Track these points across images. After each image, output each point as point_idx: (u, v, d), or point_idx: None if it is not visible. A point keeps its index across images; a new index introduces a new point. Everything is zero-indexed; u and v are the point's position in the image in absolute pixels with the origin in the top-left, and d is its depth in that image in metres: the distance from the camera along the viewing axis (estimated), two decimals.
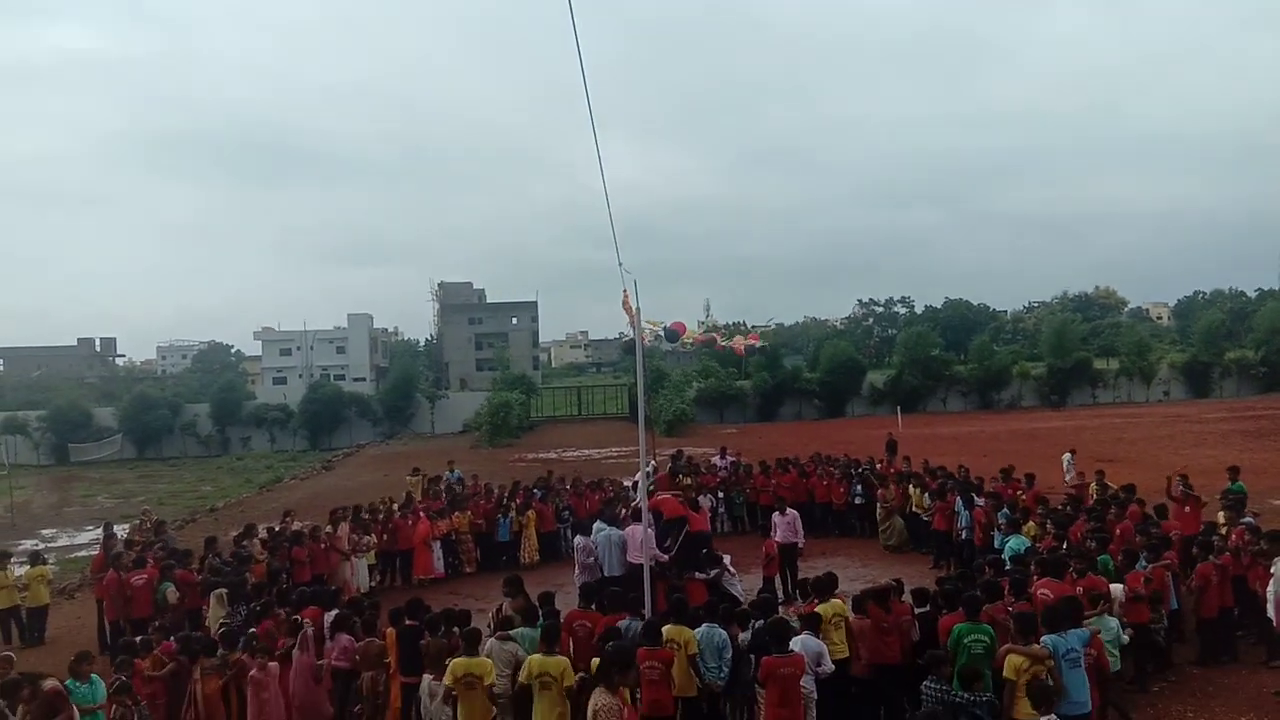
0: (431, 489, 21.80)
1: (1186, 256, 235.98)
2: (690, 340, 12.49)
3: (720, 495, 20.94)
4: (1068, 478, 21.47)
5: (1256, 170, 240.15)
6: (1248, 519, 12.72)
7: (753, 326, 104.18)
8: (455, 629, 10.07)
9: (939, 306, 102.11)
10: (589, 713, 6.52)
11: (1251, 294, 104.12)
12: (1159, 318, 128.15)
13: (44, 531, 29.12)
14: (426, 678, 9.79)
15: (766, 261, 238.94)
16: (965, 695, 7.85)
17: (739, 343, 12.74)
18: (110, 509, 32.32)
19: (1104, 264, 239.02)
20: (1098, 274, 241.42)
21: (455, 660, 8.84)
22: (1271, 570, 10.59)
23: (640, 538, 12.50)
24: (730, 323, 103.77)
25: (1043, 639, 7.96)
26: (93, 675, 9.52)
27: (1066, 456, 22.45)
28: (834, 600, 9.98)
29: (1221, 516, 13.68)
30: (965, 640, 8.84)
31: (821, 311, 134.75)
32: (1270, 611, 10.84)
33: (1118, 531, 12.97)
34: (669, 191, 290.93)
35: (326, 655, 10.61)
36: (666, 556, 12.74)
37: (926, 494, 17.99)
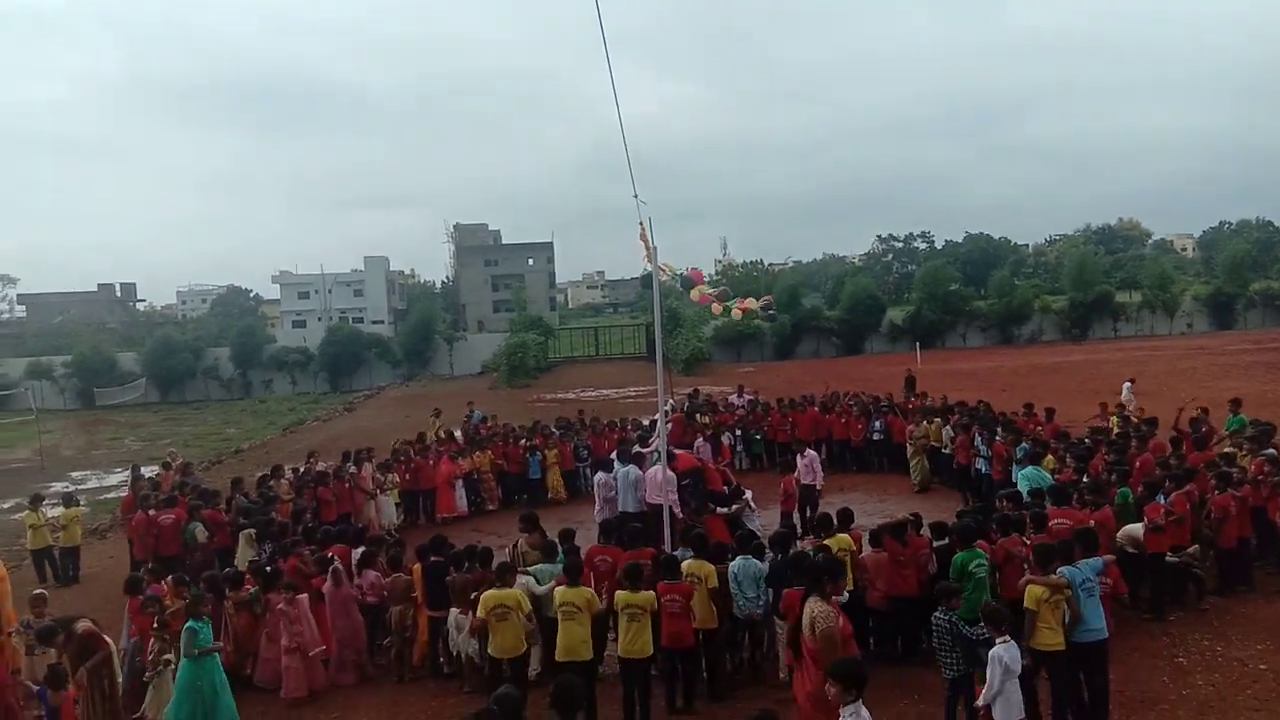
0: (449, 435, 21.95)
1: (1213, 187, 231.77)
2: (696, 297, 12.35)
3: (738, 433, 21.04)
4: (1126, 411, 21.27)
5: None
6: (1270, 450, 12.66)
7: (770, 264, 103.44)
8: (478, 565, 10.27)
9: (959, 241, 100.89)
10: (806, 620, 6.59)
11: (1279, 224, 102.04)
12: (1183, 249, 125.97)
13: (74, 474, 29.70)
14: (453, 611, 10.03)
15: (784, 198, 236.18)
16: (975, 630, 7.85)
17: (746, 304, 12.49)
18: (137, 451, 32.86)
19: (1129, 196, 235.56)
20: (1122, 206, 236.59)
21: (487, 593, 9.03)
22: None
23: (660, 479, 12.62)
24: (747, 261, 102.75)
25: (1059, 570, 8.02)
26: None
27: (1126, 385, 22.28)
28: (840, 535, 10.07)
29: (1243, 448, 13.60)
30: (969, 567, 9.04)
31: (840, 248, 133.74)
32: None
33: (1138, 465, 12.94)
34: (687, 129, 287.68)
35: (355, 590, 10.88)
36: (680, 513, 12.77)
37: (947, 428, 17.95)
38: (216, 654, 9.35)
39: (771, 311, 13.13)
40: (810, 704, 6.60)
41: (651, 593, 8.83)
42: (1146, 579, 10.79)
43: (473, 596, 9.58)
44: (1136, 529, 10.81)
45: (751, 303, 12.69)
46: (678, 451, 14.34)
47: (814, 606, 6.61)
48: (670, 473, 12.67)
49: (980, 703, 7.38)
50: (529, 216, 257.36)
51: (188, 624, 9.19)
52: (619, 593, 8.88)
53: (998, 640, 7.36)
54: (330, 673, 10.60)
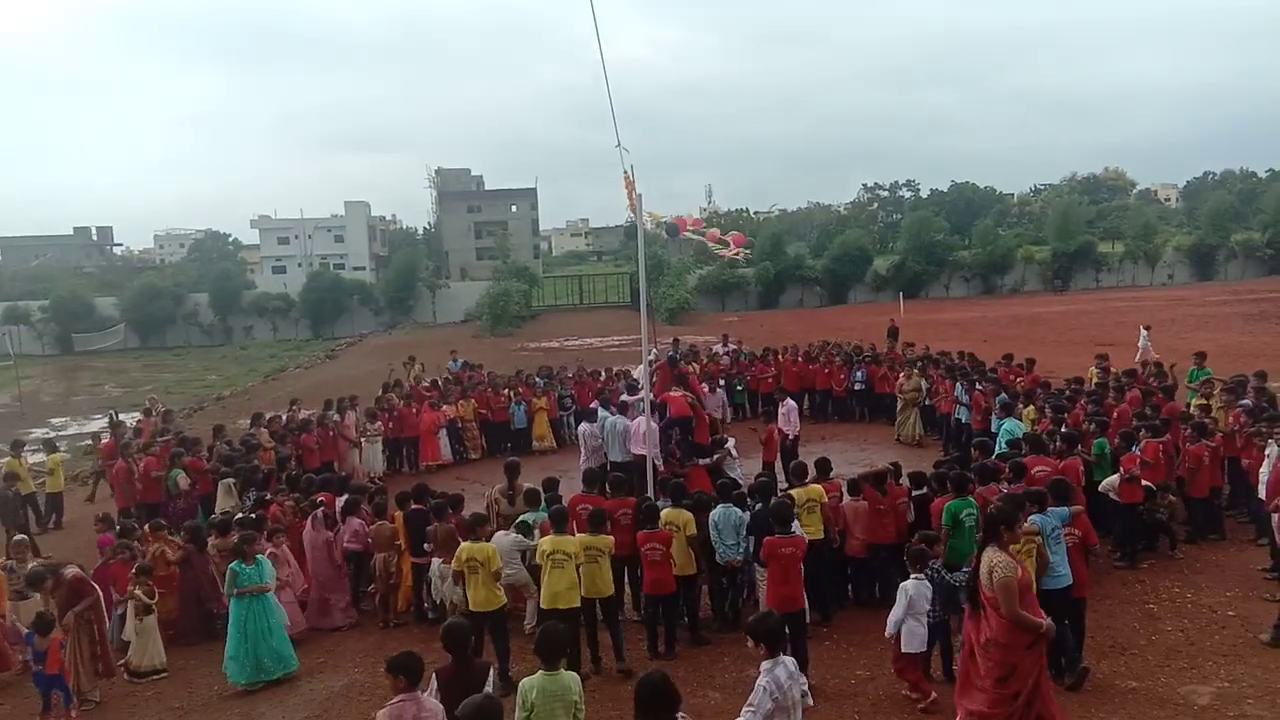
0: (433, 383, 21.87)
1: (1200, 136, 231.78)
2: (688, 235, 12.42)
3: (722, 383, 21.08)
4: (1137, 357, 21.56)
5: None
6: (1245, 401, 12.82)
7: (755, 213, 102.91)
8: (458, 513, 10.37)
9: (945, 190, 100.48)
10: (984, 570, 6.66)
11: (1263, 174, 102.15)
12: (1167, 200, 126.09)
13: (54, 420, 29.55)
14: (436, 561, 10.11)
15: (771, 145, 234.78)
16: (956, 576, 8.09)
17: (736, 240, 12.58)
18: (118, 398, 32.70)
19: (1116, 145, 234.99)
20: (1109, 156, 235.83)
21: (462, 544, 9.08)
22: (1266, 452, 10.73)
23: (644, 430, 12.68)
24: (732, 210, 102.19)
25: (1030, 517, 8.15)
26: (258, 556, 9.57)
27: (1143, 332, 22.45)
28: (811, 486, 10.08)
29: (1215, 398, 13.77)
30: (961, 515, 9.19)
31: (826, 197, 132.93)
32: (1261, 492, 11.04)
33: (1115, 415, 13.09)
34: (675, 72, 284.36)
35: (338, 537, 10.94)
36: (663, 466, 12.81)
37: (922, 380, 18.03)
38: (267, 595, 9.47)
39: (748, 253, 13.25)
40: (987, 652, 6.67)
41: (610, 537, 9.00)
42: (1121, 527, 10.99)
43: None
44: (1117, 480, 10.99)
45: (738, 237, 12.75)
46: (672, 394, 14.35)
47: (992, 556, 6.68)
48: (654, 425, 12.73)
49: (888, 632, 7.93)
50: (513, 160, 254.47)
51: (231, 565, 9.40)
52: (579, 535, 9.05)
53: (913, 576, 7.94)
54: (311, 617, 10.72)
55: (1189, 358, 16.69)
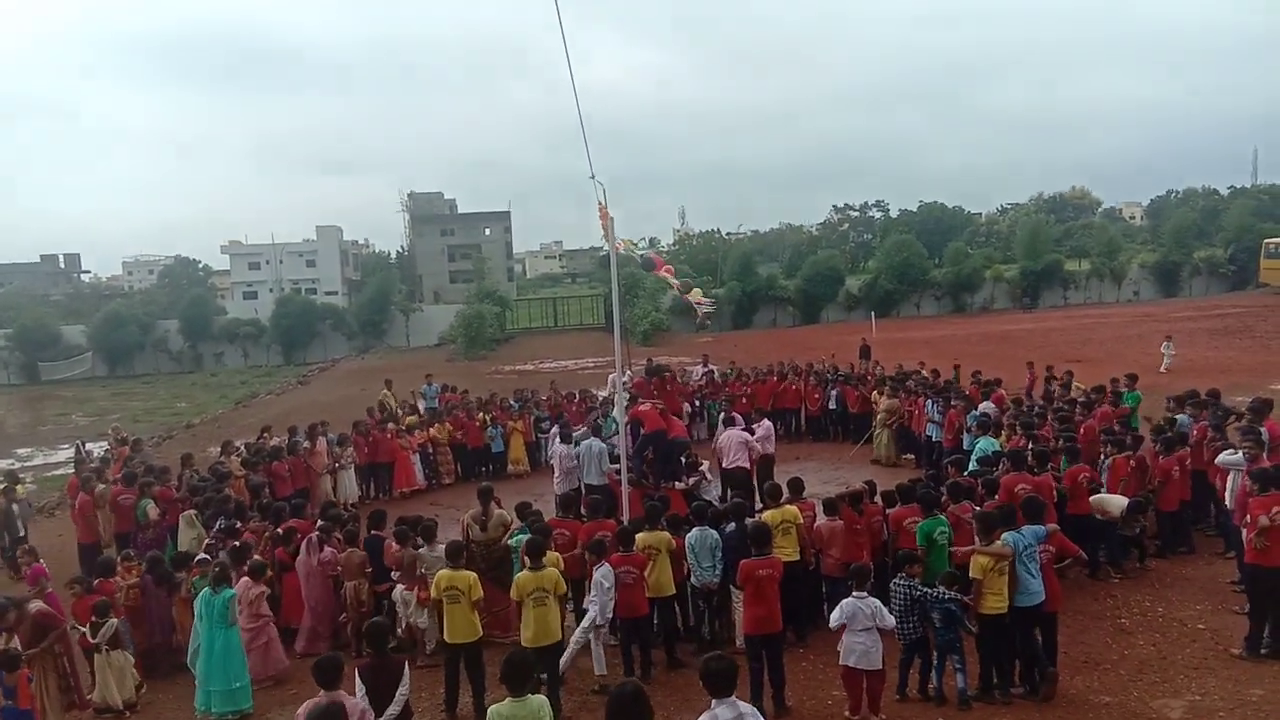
0: (411, 408, 21.79)
1: (1163, 156, 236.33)
2: (662, 275, 12.75)
3: (698, 403, 21.13)
4: (1164, 366, 21.94)
5: (1258, 65, 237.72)
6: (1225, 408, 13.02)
7: (727, 234, 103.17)
8: (420, 537, 10.37)
9: (914, 210, 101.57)
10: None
11: (1225, 192, 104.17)
12: (1132, 218, 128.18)
13: (19, 451, 29.02)
14: (399, 588, 10.05)
15: (744, 167, 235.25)
16: (934, 591, 8.18)
17: (696, 298, 12.81)
18: (85, 427, 32.17)
19: (1082, 165, 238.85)
20: (1075, 175, 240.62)
21: (441, 572, 8.97)
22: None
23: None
24: (704, 231, 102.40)
25: (1002, 536, 8.22)
26: (227, 590, 9.38)
27: (1166, 344, 22.86)
28: (786, 507, 10.03)
29: (1186, 413, 13.94)
30: (934, 535, 9.30)
31: (797, 218, 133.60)
32: (1230, 504, 11.19)
33: (1082, 432, 13.24)
34: (649, 95, 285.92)
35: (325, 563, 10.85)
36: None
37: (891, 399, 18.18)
38: (230, 631, 9.31)
39: (710, 312, 13.57)
40: None
41: (545, 573, 8.62)
42: (1093, 543, 11.09)
43: (421, 572, 9.62)
44: (1105, 498, 11.12)
45: (700, 296, 12.95)
46: (642, 408, 14.36)
47: None
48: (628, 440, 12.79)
49: (833, 624, 8.15)
50: (487, 182, 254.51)
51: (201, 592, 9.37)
52: (520, 574, 8.75)
53: (855, 593, 8.06)
54: (303, 644, 10.60)
55: (1184, 372, 16.98)
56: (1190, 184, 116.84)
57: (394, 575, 10.39)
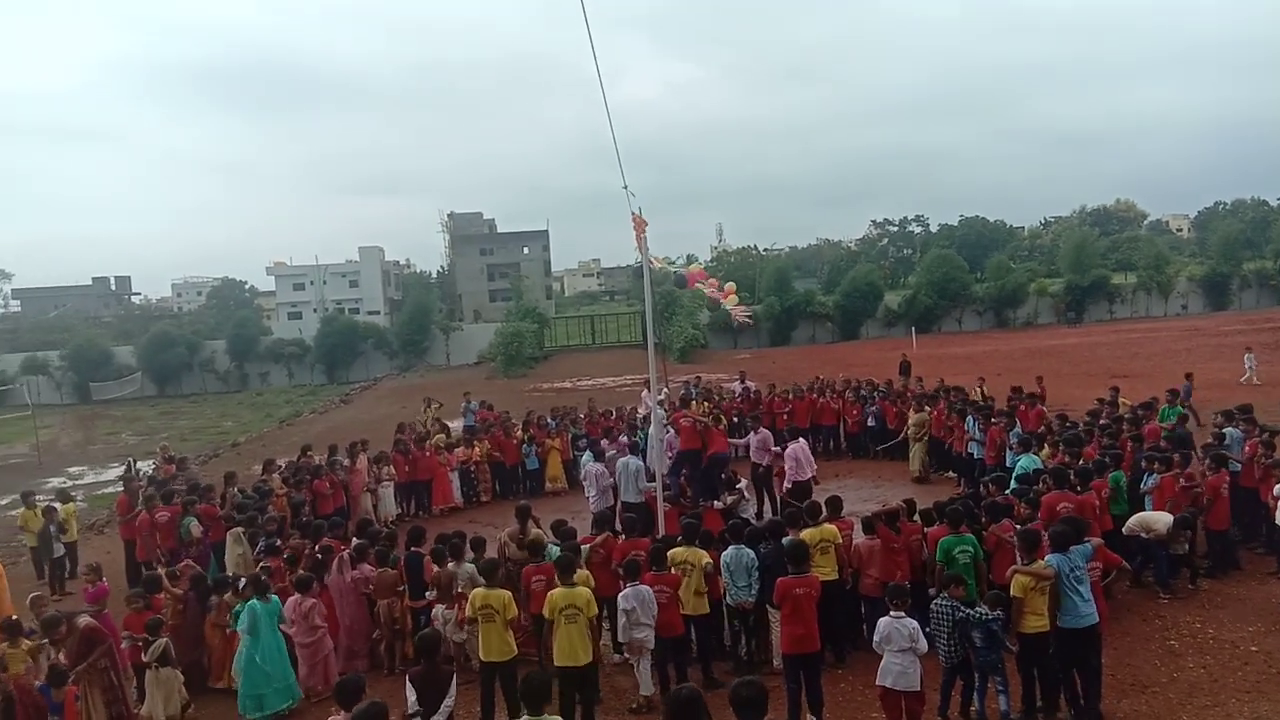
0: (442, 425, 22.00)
1: (1211, 167, 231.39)
2: (698, 287, 12.88)
3: (735, 421, 21.01)
4: (1244, 378, 21.73)
5: None
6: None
7: (764, 250, 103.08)
8: (454, 556, 10.41)
9: (955, 225, 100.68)
10: None
11: (1274, 203, 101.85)
12: (1179, 230, 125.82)
13: (71, 469, 29.71)
14: (439, 607, 10.09)
15: (782, 183, 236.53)
16: (976, 612, 8.05)
17: (733, 304, 12.93)
18: (135, 445, 32.87)
19: (1125, 177, 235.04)
20: (1119, 188, 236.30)
21: (475, 591, 9.00)
22: None
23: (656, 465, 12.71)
24: (742, 247, 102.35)
25: (1047, 558, 8.08)
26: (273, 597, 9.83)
27: (1247, 355, 22.76)
28: (824, 526, 9.93)
29: (1238, 430, 13.61)
30: (953, 551, 9.20)
31: (835, 233, 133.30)
32: None
33: (1129, 449, 12.97)
34: (686, 113, 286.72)
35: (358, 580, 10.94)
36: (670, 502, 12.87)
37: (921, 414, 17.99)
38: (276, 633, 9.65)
39: (748, 317, 13.80)
40: None
41: (577, 590, 8.56)
42: (1143, 560, 10.86)
43: (458, 590, 9.66)
44: (1149, 516, 10.89)
45: (737, 302, 13.02)
46: (681, 424, 14.38)
47: None
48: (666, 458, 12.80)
49: (875, 641, 7.96)
50: (526, 201, 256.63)
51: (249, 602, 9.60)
52: (553, 591, 8.64)
53: (891, 613, 7.86)
54: (340, 661, 10.69)
55: (1216, 386, 16.65)
56: (1238, 195, 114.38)
57: (429, 594, 10.44)
